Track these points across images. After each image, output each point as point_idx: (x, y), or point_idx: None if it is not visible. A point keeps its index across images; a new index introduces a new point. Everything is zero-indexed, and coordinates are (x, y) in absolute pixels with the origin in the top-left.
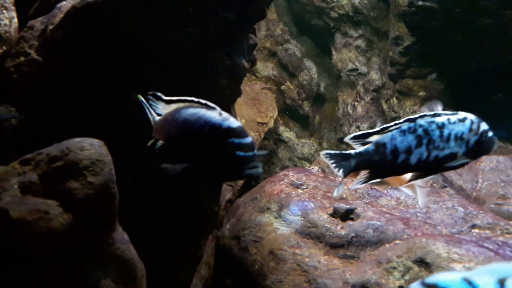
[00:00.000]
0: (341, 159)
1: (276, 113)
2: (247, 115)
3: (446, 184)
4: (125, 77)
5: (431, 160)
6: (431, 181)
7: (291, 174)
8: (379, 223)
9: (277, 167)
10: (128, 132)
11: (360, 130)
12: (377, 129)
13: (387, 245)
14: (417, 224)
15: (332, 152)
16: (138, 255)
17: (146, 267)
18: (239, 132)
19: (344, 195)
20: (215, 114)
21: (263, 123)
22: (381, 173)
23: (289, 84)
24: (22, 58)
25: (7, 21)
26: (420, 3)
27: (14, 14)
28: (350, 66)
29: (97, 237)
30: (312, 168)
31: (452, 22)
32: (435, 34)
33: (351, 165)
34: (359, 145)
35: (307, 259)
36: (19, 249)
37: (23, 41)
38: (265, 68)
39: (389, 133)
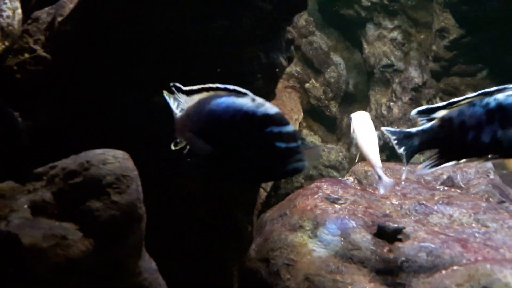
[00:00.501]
0: (403, 137)
1: (302, 115)
2: None
3: (504, 199)
4: (142, 78)
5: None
6: (486, 195)
7: (325, 186)
8: (433, 245)
9: (300, 176)
10: (150, 138)
11: None
12: (445, 103)
13: (443, 272)
14: (477, 247)
15: (393, 129)
16: (166, 286)
17: None
18: (279, 119)
19: (388, 211)
20: (247, 101)
21: None
22: (451, 153)
23: (314, 81)
24: (26, 55)
25: (9, 12)
26: None
27: (17, 4)
28: (385, 61)
29: (122, 266)
30: (347, 179)
31: (510, 11)
32: (488, 26)
33: (414, 144)
34: (425, 122)
35: (350, 287)
36: (32, 283)
37: (28, 35)
38: None
39: (457, 108)
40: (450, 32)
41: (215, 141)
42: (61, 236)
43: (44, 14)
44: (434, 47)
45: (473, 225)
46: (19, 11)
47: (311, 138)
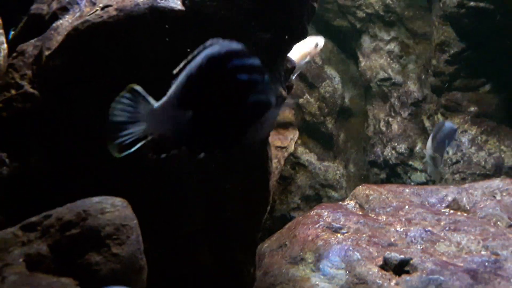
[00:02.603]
0: None
1: (297, 134)
2: None
3: None
4: None
5: None
6: (494, 219)
7: (325, 213)
8: (442, 277)
9: (296, 197)
10: (149, 181)
11: (397, 153)
12: None
13: None
14: (487, 277)
15: None
16: None
17: None
18: (242, 52)
19: (393, 239)
20: (213, 48)
21: (282, 147)
22: None
23: (308, 97)
24: (13, 92)
25: None
26: (472, 3)
27: (3, 38)
28: (382, 74)
29: None
30: (348, 204)
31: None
32: (490, 39)
33: None
34: None
35: None
36: None
37: (13, 70)
38: None
39: None
40: (450, 46)
41: (192, 102)
42: None
43: (30, 47)
44: (434, 61)
45: (482, 252)
46: (5, 45)
47: (307, 156)
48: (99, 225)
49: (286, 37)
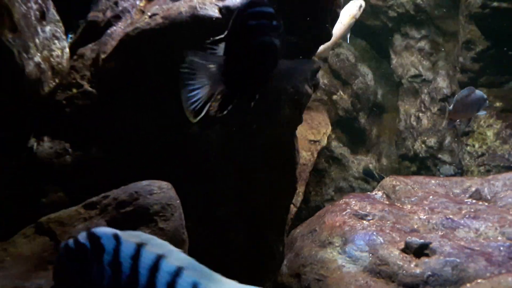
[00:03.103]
0: None
1: (330, 128)
2: (298, 132)
3: None
4: (183, 109)
5: None
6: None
7: (353, 202)
8: (458, 259)
9: (330, 189)
10: (189, 169)
11: (426, 146)
12: None
13: (468, 285)
14: (501, 260)
15: None
16: None
17: None
18: (257, 2)
19: (415, 226)
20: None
21: (315, 141)
22: None
23: (341, 93)
24: (74, 90)
25: (59, 52)
26: (495, 3)
27: (65, 43)
28: (413, 71)
29: None
30: (375, 194)
31: None
32: None
33: None
34: None
35: None
36: None
37: (75, 71)
38: None
39: None
40: (476, 44)
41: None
42: None
43: (88, 50)
44: (461, 59)
45: (499, 238)
46: (67, 50)
47: (340, 150)
48: (148, 204)
49: (311, 40)
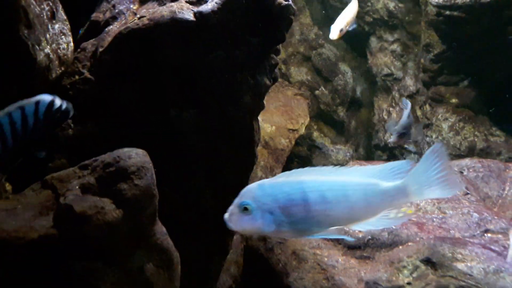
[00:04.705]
0: None
1: (308, 119)
2: (278, 122)
3: (469, 192)
4: (164, 95)
5: None
6: None
7: None
8: (394, 227)
9: None
10: (168, 145)
11: None
12: None
13: (400, 247)
14: (431, 228)
15: None
16: (174, 246)
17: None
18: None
19: None
20: None
21: (294, 130)
22: None
23: (323, 89)
24: (76, 77)
25: (65, 45)
26: (447, 12)
27: (70, 39)
28: (386, 71)
29: (142, 229)
30: None
31: (482, 31)
32: (465, 43)
33: None
34: None
35: (326, 259)
36: (82, 238)
37: (77, 61)
38: (298, 73)
39: None
40: (434, 47)
41: None
42: (100, 207)
43: (89, 45)
44: (422, 60)
45: (435, 212)
46: (72, 44)
47: (321, 139)
48: (127, 165)
49: (269, 41)
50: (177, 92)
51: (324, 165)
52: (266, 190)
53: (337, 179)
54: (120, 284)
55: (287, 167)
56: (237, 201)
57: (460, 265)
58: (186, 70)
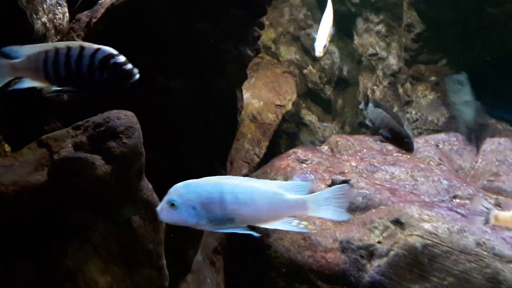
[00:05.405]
0: None
1: (295, 96)
2: (266, 97)
3: (442, 162)
4: (153, 64)
5: None
6: (428, 159)
7: (300, 151)
8: (368, 192)
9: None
10: (159, 111)
11: None
12: None
13: (373, 210)
14: (403, 194)
15: None
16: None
17: None
18: None
19: (346, 170)
20: None
21: (281, 106)
22: None
23: (311, 68)
24: None
25: (61, 16)
26: None
27: (66, 9)
28: (371, 50)
29: (129, 184)
30: (322, 148)
31: (460, 11)
32: (444, 23)
33: None
34: None
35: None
36: (74, 191)
37: (73, 31)
38: (288, 52)
39: None
40: (415, 27)
41: None
42: (91, 162)
43: (84, 16)
44: (404, 40)
45: (408, 179)
46: (67, 14)
47: (309, 117)
48: (115, 125)
49: (252, 14)
50: (165, 61)
51: (311, 141)
52: (191, 189)
53: (249, 185)
54: (109, 234)
55: (275, 142)
56: (166, 197)
57: (426, 225)
58: (173, 40)
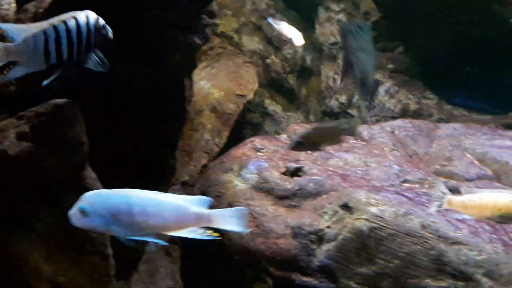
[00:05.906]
0: None
1: (257, 85)
2: (227, 87)
3: (396, 148)
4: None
5: None
6: (382, 146)
7: (257, 140)
8: (319, 178)
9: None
10: (111, 96)
11: (339, 103)
12: None
13: (324, 196)
14: (354, 179)
15: None
16: None
17: None
18: None
19: (301, 158)
20: None
21: (242, 95)
22: None
23: (274, 57)
24: None
25: (7, 6)
26: None
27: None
28: (332, 39)
29: (73, 173)
30: (281, 137)
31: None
32: (400, 10)
33: None
34: None
35: (257, 208)
36: (17, 180)
37: (19, 21)
38: (250, 42)
39: None
40: (372, 15)
41: None
42: (33, 152)
43: (31, 6)
44: None
45: (361, 165)
46: (13, 4)
47: (273, 107)
48: (58, 115)
49: (200, 2)
50: (111, 49)
51: (275, 131)
52: (101, 198)
53: (157, 198)
54: (53, 223)
55: (239, 132)
56: (77, 204)
57: (373, 209)
58: (121, 28)
